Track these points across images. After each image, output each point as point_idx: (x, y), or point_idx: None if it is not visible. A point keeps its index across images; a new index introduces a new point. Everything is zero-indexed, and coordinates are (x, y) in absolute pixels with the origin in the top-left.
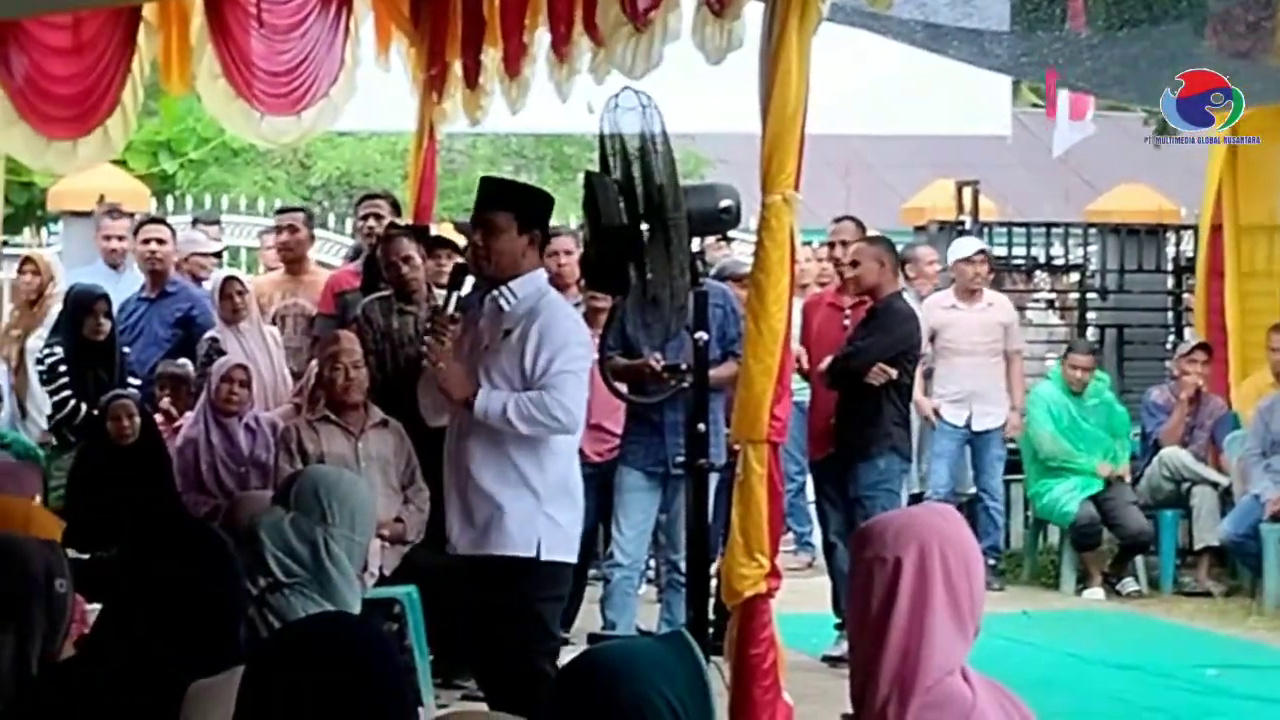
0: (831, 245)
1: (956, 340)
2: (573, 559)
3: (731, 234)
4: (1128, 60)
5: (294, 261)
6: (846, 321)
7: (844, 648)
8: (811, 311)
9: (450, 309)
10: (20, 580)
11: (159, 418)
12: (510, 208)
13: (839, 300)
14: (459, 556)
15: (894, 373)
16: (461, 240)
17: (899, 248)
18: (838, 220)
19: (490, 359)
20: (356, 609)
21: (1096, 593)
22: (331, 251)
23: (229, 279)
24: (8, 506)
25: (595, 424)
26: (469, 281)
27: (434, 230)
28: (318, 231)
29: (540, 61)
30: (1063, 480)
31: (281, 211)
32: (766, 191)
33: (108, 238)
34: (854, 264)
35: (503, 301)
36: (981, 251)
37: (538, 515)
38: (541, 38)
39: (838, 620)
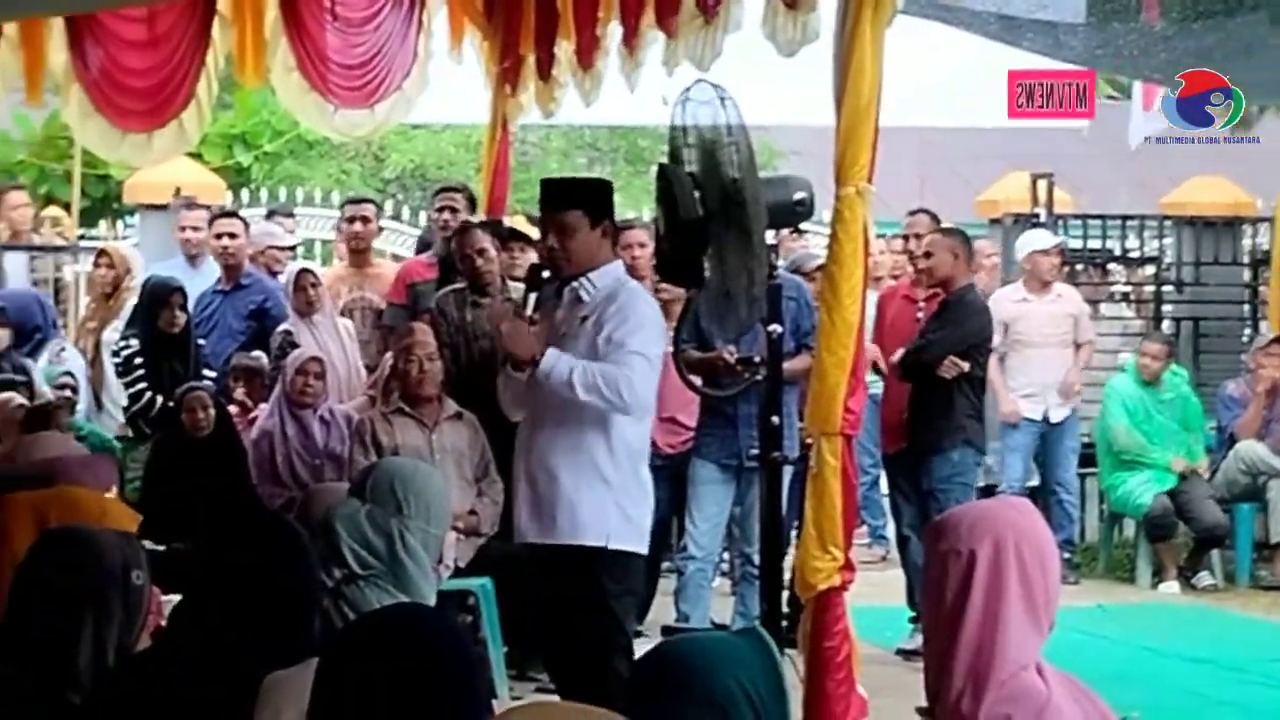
0: (906, 238)
1: (1027, 333)
2: (642, 550)
3: (804, 226)
4: (1202, 52)
5: (363, 252)
6: (920, 314)
7: (918, 641)
8: (885, 304)
9: (529, 310)
10: (97, 572)
11: (233, 409)
12: (578, 204)
13: (913, 293)
14: (526, 545)
15: (966, 366)
16: (535, 233)
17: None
18: (912, 213)
19: (568, 345)
20: (431, 601)
21: (1172, 586)
22: (405, 244)
23: (303, 271)
24: (84, 499)
25: (668, 417)
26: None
27: (507, 223)
28: (392, 224)
29: (613, 54)
30: (1137, 473)
31: (352, 202)
32: (840, 184)
33: (184, 228)
34: (927, 255)
35: (583, 292)
36: (1056, 244)
37: (609, 505)
38: (614, 30)
39: (912, 614)
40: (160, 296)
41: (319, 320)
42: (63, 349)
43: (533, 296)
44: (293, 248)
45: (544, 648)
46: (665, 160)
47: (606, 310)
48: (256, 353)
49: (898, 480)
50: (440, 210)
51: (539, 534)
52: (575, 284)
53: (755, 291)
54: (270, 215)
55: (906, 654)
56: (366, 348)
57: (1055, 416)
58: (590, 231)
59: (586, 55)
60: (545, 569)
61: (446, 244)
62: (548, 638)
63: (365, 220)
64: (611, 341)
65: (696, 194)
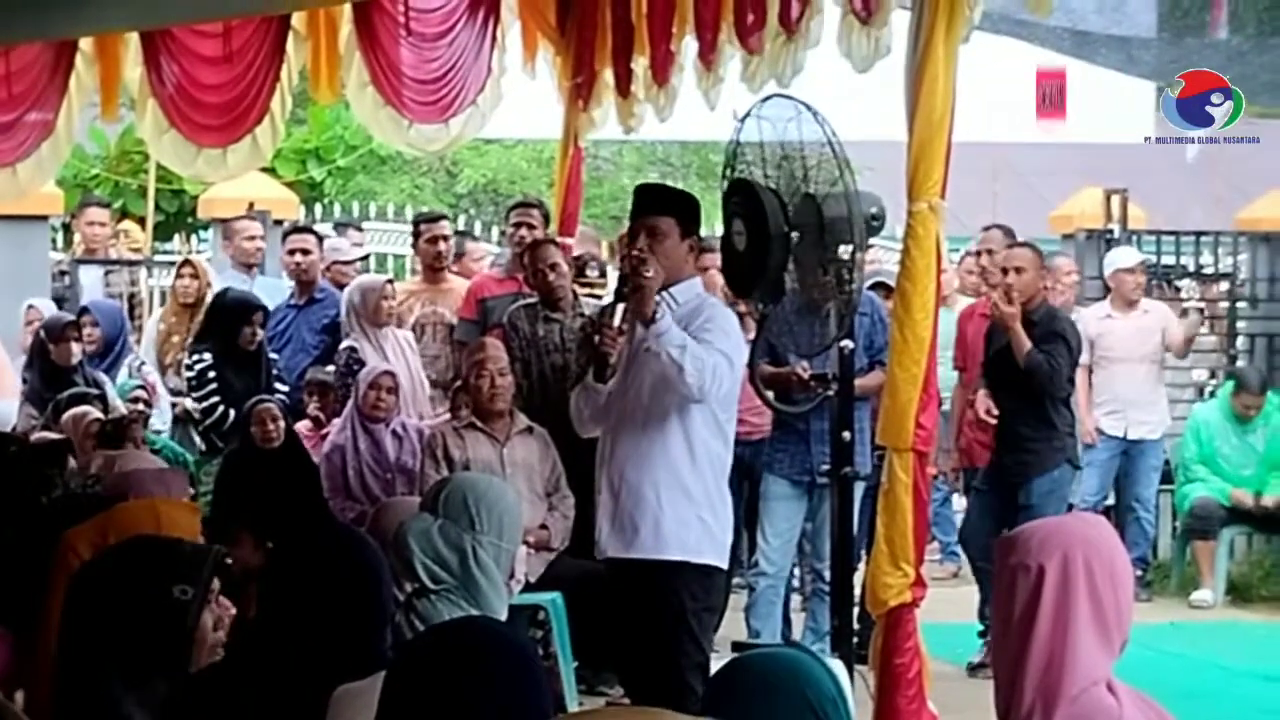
0: (978, 254)
1: (1113, 349)
2: (723, 564)
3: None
4: (1277, 67)
5: (441, 269)
6: None
7: (987, 654)
8: (965, 323)
9: (617, 320)
10: (124, 599)
11: (307, 424)
12: (671, 212)
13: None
14: (608, 560)
15: (994, 416)
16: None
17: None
18: (986, 228)
19: (649, 359)
20: (503, 615)
21: (1205, 595)
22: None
23: (386, 282)
24: (138, 511)
25: None
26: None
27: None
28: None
29: (688, 70)
30: (1209, 484)
31: (426, 220)
32: (913, 199)
33: (250, 238)
34: (1018, 271)
35: (665, 307)
36: (1141, 261)
37: (691, 518)
38: (689, 46)
39: (981, 627)
40: (242, 314)
41: (383, 334)
42: (142, 363)
43: (620, 307)
44: (364, 259)
45: (620, 661)
46: (727, 175)
47: (692, 323)
48: (330, 367)
49: (981, 493)
50: (516, 226)
51: (621, 547)
52: (658, 298)
53: (839, 308)
54: (338, 228)
55: (974, 669)
56: (436, 362)
57: (1135, 434)
58: (680, 242)
59: (661, 71)
60: (625, 582)
61: (520, 259)
62: (625, 651)
63: (445, 237)
64: (699, 340)
65: (781, 210)
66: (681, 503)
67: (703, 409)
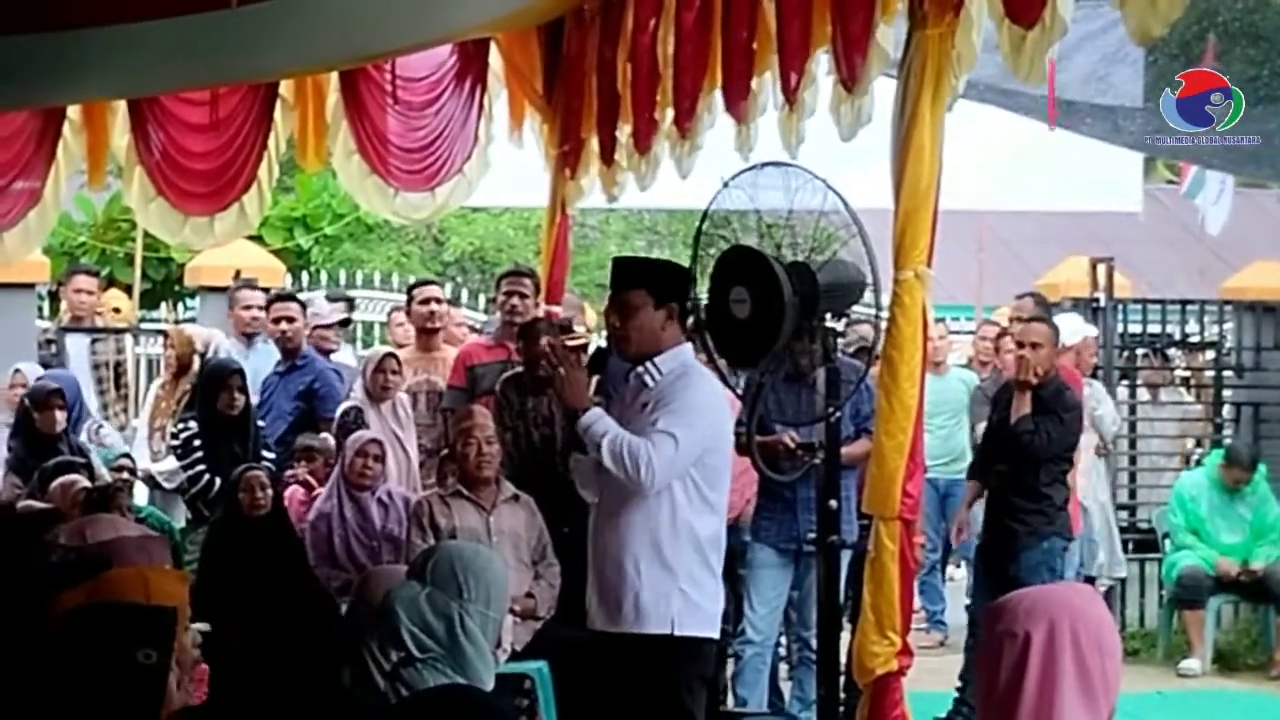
0: (1011, 321)
1: None
2: (713, 634)
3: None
4: (1264, 136)
5: (432, 334)
6: None
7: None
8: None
9: (590, 392)
10: (90, 661)
11: (298, 489)
12: (642, 284)
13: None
14: (598, 633)
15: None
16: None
17: None
18: (1019, 296)
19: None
20: (490, 684)
21: (1193, 665)
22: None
23: (388, 356)
24: (125, 579)
25: None
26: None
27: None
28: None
29: (673, 137)
30: (1196, 551)
31: (422, 284)
32: (899, 267)
33: (245, 308)
34: (1034, 346)
35: (647, 378)
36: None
37: (672, 591)
38: (670, 114)
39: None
40: (219, 378)
41: (385, 407)
42: (100, 426)
43: (594, 380)
44: (343, 324)
45: None
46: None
47: (665, 392)
48: (324, 435)
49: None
50: (508, 295)
51: (606, 621)
52: (640, 369)
53: (828, 378)
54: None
55: None
56: (429, 430)
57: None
58: (654, 312)
59: (643, 139)
60: (611, 657)
61: (510, 328)
62: None
63: (439, 301)
64: (652, 421)
65: (785, 277)
66: (660, 576)
67: (683, 481)
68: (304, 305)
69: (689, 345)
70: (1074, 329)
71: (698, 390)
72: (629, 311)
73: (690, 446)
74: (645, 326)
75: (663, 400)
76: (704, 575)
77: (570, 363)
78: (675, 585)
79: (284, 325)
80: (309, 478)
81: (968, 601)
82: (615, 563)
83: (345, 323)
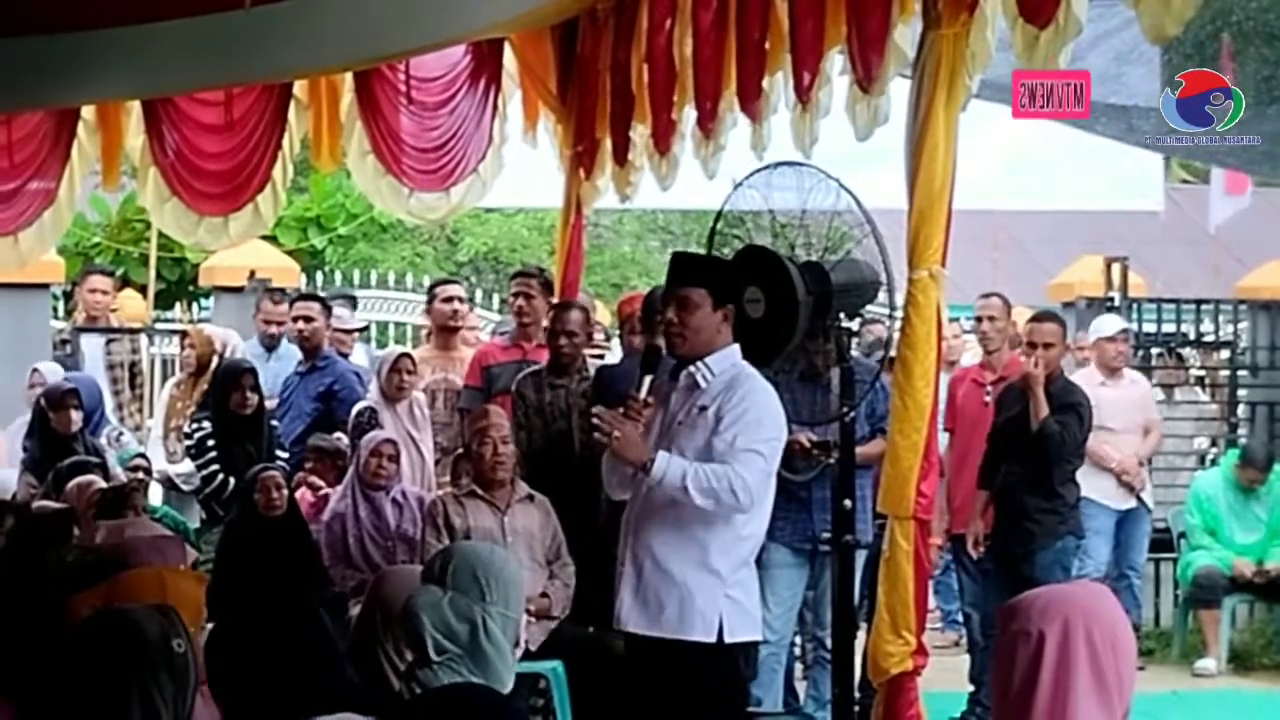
0: (979, 320)
1: (1108, 419)
2: (758, 636)
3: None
4: (1275, 136)
5: (452, 333)
6: (988, 398)
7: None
8: (955, 387)
9: (643, 392)
10: (137, 654)
11: (306, 491)
12: (704, 283)
13: (981, 376)
14: (630, 635)
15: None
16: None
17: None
18: (984, 296)
19: (684, 435)
20: (510, 685)
21: (1208, 665)
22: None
23: (403, 356)
24: (142, 579)
25: None
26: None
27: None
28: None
29: (688, 138)
30: (1212, 552)
31: (442, 283)
32: (913, 267)
33: (268, 321)
34: (1047, 346)
35: (699, 378)
36: (1124, 330)
37: (720, 597)
38: (690, 114)
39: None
40: (231, 378)
41: (400, 406)
42: (120, 434)
43: (648, 379)
44: (364, 329)
45: None
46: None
47: (727, 401)
48: (338, 435)
49: (964, 558)
50: (515, 295)
51: (644, 624)
52: (692, 368)
53: (843, 377)
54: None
55: None
56: (446, 430)
57: (1122, 504)
58: (712, 312)
59: (663, 139)
60: (651, 661)
61: (523, 328)
62: None
63: (461, 300)
64: (729, 440)
65: (799, 277)
66: (708, 581)
67: None
68: (326, 306)
69: (738, 346)
70: (1112, 324)
71: (765, 395)
72: (689, 309)
73: (775, 457)
74: (703, 326)
75: (731, 411)
76: (748, 576)
77: (620, 422)
78: (723, 591)
79: (302, 325)
80: (314, 479)
81: (966, 601)
82: (657, 563)
83: (363, 328)
